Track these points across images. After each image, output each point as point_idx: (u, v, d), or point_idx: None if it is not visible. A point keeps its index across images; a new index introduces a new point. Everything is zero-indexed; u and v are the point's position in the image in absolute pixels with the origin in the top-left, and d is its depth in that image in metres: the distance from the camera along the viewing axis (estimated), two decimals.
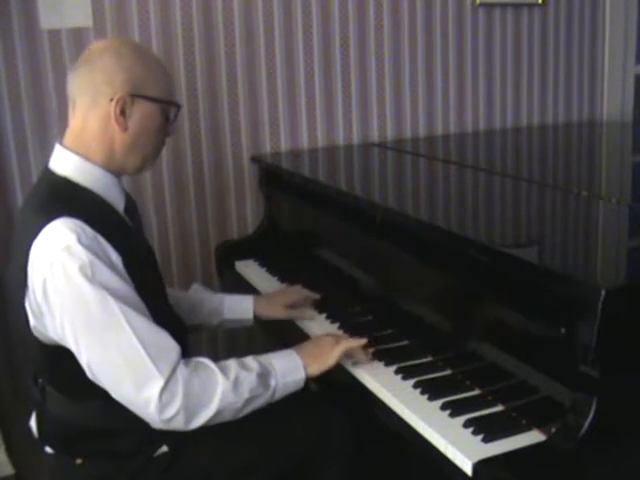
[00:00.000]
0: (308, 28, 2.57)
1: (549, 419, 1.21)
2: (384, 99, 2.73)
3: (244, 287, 2.15)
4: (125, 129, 1.37)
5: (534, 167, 2.36)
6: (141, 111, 1.38)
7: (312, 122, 2.65)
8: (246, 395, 1.32)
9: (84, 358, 1.27)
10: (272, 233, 2.40)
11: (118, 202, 1.42)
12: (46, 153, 2.30)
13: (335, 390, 1.61)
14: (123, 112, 1.36)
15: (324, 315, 1.79)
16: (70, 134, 1.40)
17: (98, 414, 1.38)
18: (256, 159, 2.51)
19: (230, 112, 2.52)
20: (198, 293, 1.80)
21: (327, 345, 1.48)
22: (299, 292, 1.86)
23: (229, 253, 2.36)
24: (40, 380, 1.46)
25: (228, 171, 2.56)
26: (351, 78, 2.67)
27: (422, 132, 2.82)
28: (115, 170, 1.41)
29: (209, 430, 1.36)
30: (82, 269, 1.24)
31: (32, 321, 1.32)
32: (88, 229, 1.27)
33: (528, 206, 1.83)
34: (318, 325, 1.74)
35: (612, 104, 3.13)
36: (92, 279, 1.24)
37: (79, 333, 1.26)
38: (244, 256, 2.32)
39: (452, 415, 1.30)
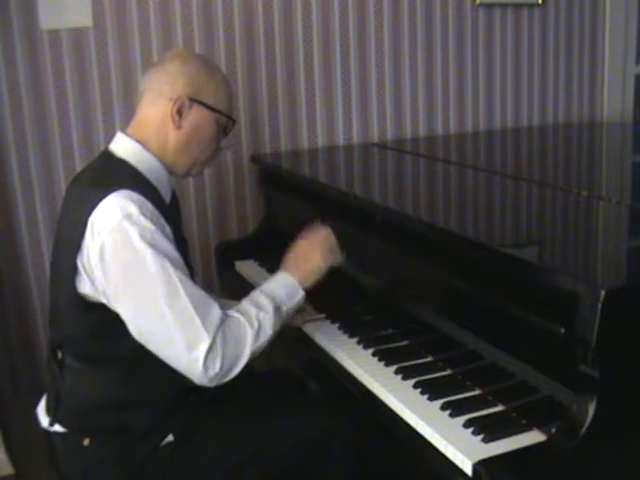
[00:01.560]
0: (308, 28, 2.58)
1: (549, 419, 1.21)
2: (384, 99, 2.73)
3: (244, 287, 2.14)
4: (179, 127, 1.49)
5: (534, 167, 2.36)
6: (197, 115, 1.50)
7: (312, 122, 2.65)
8: (270, 332, 1.44)
9: (135, 320, 1.36)
10: (272, 233, 2.40)
11: (165, 194, 1.52)
12: (46, 152, 2.33)
13: (336, 391, 1.61)
14: (180, 112, 1.48)
15: (324, 315, 1.79)
16: (133, 124, 1.53)
17: (115, 383, 1.45)
18: (256, 159, 2.51)
19: None
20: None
21: (311, 254, 1.59)
22: None
23: (229, 253, 2.36)
24: (60, 353, 1.50)
25: (228, 171, 2.56)
26: (351, 78, 2.67)
27: (422, 132, 2.82)
28: (167, 165, 1.52)
29: (213, 424, 1.50)
30: (143, 235, 1.34)
31: (84, 280, 1.39)
32: (148, 203, 1.38)
33: (528, 206, 1.83)
34: (318, 326, 1.74)
35: (612, 104, 3.13)
36: (153, 245, 1.34)
37: (134, 294, 1.35)
38: (244, 256, 2.32)
39: (452, 415, 1.30)
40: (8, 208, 2.32)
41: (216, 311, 1.38)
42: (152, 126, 1.49)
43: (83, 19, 2.30)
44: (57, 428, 1.49)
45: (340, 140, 2.70)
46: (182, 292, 1.34)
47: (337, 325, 1.72)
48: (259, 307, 1.45)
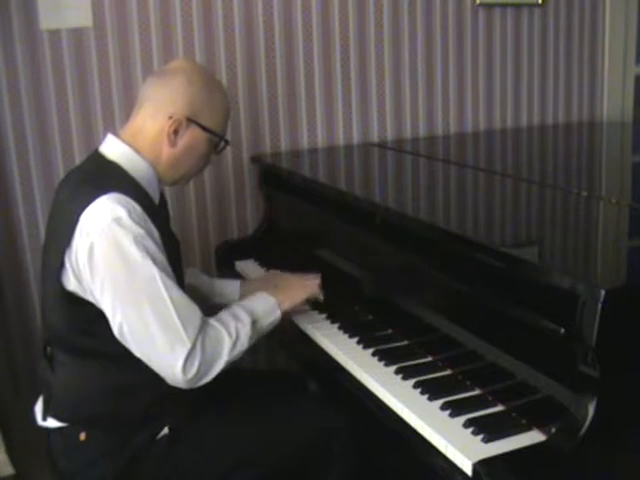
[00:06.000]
0: (308, 28, 2.57)
1: (549, 419, 1.21)
2: (384, 99, 2.73)
3: None
4: (173, 146, 1.52)
5: (534, 167, 2.36)
6: (192, 135, 1.53)
7: (312, 122, 2.65)
8: (245, 344, 1.50)
9: (118, 318, 1.39)
10: (272, 233, 2.40)
11: (154, 196, 1.55)
12: (46, 153, 2.33)
13: (336, 391, 1.61)
14: (176, 131, 1.51)
15: (324, 315, 1.78)
16: (128, 130, 1.54)
17: (105, 374, 1.47)
18: (256, 159, 2.51)
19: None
20: (194, 278, 1.86)
21: (295, 285, 1.72)
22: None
23: (229, 253, 2.36)
24: (49, 348, 1.53)
25: (228, 171, 2.56)
26: (351, 78, 2.67)
27: (422, 132, 2.82)
28: (157, 174, 1.55)
29: (212, 422, 1.53)
30: (132, 239, 1.37)
31: (70, 277, 1.42)
32: (137, 207, 1.41)
33: (528, 206, 1.83)
34: (318, 326, 1.74)
35: (612, 104, 3.13)
36: (140, 248, 1.37)
37: (118, 294, 1.38)
38: (244, 256, 2.32)
39: (452, 415, 1.30)
40: (8, 207, 2.32)
41: (197, 317, 1.43)
42: (148, 138, 1.51)
43: (83, 19, 2.29)
44: (52, 422, 1.51)
45: (340, 140, 2.70)
46: (166, 296, 1.39)
47: (337, 325, 1.72)
48: (237, 319, 1.51)
